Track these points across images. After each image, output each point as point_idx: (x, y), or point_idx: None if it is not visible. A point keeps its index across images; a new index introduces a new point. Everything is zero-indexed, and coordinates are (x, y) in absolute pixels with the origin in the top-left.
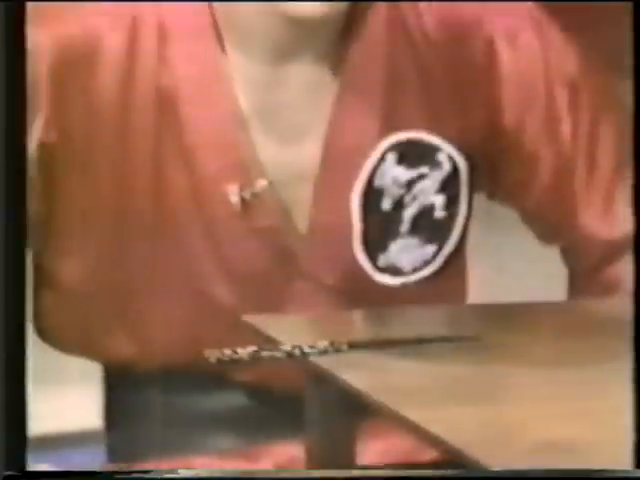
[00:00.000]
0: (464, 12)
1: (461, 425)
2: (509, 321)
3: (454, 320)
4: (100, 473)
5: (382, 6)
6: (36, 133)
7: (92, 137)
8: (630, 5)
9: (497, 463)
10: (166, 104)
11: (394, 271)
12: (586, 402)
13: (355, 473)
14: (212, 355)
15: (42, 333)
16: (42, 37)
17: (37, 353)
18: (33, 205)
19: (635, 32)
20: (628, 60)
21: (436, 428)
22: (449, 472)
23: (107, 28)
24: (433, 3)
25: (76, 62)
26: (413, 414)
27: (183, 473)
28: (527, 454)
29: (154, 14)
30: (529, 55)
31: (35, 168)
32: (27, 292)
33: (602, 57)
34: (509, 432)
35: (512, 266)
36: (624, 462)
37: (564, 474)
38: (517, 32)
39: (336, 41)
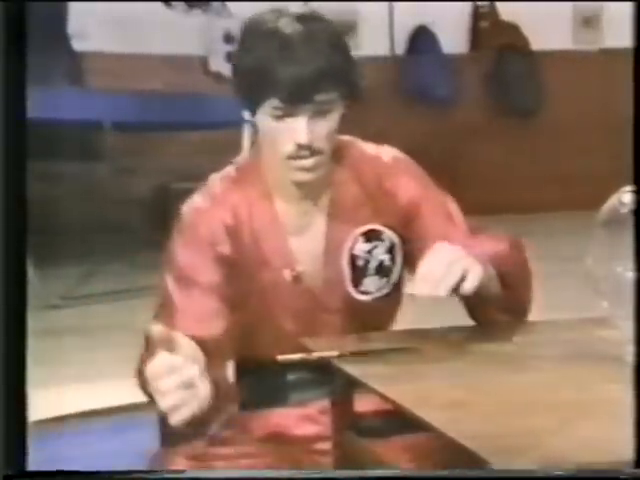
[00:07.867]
0: (386, 183)
1: (402, 393)
2: (431, 338)
3: (402, 338)
4: (100, 473)
5: (345, 170)
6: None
7: (240, 246)
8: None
9: (426, 415)
10: (257, 234)
11: (366, 293)
12: (466, 379)
13: (355, 473)
14: (282, 358)
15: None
16: (222, 212)
17: None
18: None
19: (635, 33)
20: None
21: (390, 394)
22: (451, 472)
23: (232, 218)
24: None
25: (234, 220)
26: (378, 387)
27: (183, 473)
28: (433, 409)
29: (246, 205)
30: (412, 197)
31: (224, 269)
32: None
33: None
34: (427, 394)
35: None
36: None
37: (566, 474)
38: (409, 188)
39: (322, 191)
